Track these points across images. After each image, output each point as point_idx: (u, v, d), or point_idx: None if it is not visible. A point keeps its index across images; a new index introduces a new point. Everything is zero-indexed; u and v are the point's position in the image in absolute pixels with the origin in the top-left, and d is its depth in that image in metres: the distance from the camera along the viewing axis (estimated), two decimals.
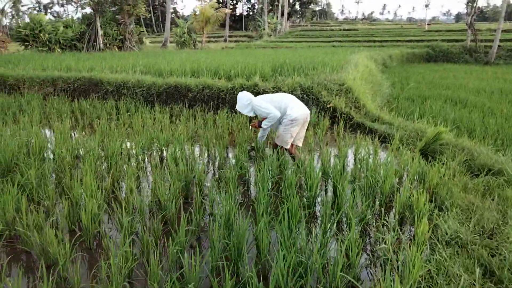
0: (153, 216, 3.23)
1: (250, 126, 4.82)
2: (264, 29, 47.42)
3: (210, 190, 3.24)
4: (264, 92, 7.46)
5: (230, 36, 47.47)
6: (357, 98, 7.24)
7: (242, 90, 7.81)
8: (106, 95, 8.68)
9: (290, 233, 2.69)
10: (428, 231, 2.68)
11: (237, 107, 4.52)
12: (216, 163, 4.71)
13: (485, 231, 2.83)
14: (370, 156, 5.04)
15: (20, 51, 19.70)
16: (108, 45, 23.23)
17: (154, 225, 2.84)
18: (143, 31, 27.62)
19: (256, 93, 7.58)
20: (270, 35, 45.36)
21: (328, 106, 7.04)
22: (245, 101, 4.49)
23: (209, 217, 3.31)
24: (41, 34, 19.44)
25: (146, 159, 4.83)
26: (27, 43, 19.59)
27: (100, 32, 22.39)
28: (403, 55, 21.70)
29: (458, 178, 3.80)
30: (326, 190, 3.93)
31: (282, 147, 4.44)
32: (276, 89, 7.43)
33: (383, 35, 35.41)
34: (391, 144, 5.11)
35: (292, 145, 4.58)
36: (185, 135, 5.53)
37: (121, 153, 4.66)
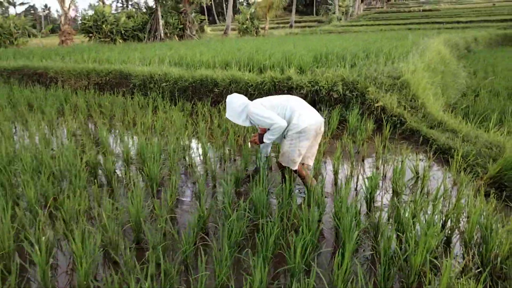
0: None
1: (249, 143, 3.67)
2: (334, 13, 44.86)
3: (151, 255, 2.19)
4: (299, 88, 6.21)
5: (298, 22, 45.79)
6: (414, 95, 5.67)
7: (273, 85, 6.69)
8: (134, 89, 8.04)
9: None
10: None
11: (227, 115, 3.35)
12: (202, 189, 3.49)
13: None
14: (417, 185, 3.64)
15: (84, 42, 20.33)
16: (169, 34, 23.20)
17: None
18: (204, 19, 27.24)
19: (289, 89, 6.37)
20: (340, 19, 42.84)
21: (376, 105, 5.60)
22: (238, 107, 3.31)
23: None
24: (104, 26, 19.83)
25: (125, 176, 3.90)
26: (91, 35, 20.15)
27: (161, 22, 22.37)
28: (491, 38, 18.61)
29: None
30: (333, 252, 2.66)
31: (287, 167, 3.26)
32: (313, 84, 6.13)
33: (469, 15, 31.29)
34: (449, 165, 3.63)
35: (302, 164, 3.37)
36: (179, 146, 4.55)
37: (87, 167, 3.81)
